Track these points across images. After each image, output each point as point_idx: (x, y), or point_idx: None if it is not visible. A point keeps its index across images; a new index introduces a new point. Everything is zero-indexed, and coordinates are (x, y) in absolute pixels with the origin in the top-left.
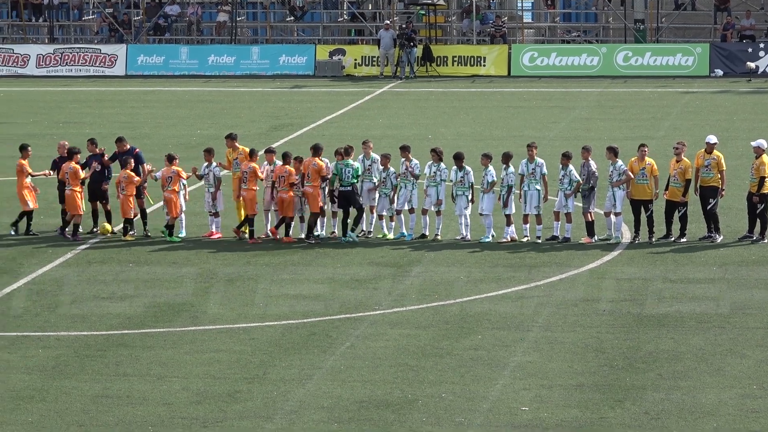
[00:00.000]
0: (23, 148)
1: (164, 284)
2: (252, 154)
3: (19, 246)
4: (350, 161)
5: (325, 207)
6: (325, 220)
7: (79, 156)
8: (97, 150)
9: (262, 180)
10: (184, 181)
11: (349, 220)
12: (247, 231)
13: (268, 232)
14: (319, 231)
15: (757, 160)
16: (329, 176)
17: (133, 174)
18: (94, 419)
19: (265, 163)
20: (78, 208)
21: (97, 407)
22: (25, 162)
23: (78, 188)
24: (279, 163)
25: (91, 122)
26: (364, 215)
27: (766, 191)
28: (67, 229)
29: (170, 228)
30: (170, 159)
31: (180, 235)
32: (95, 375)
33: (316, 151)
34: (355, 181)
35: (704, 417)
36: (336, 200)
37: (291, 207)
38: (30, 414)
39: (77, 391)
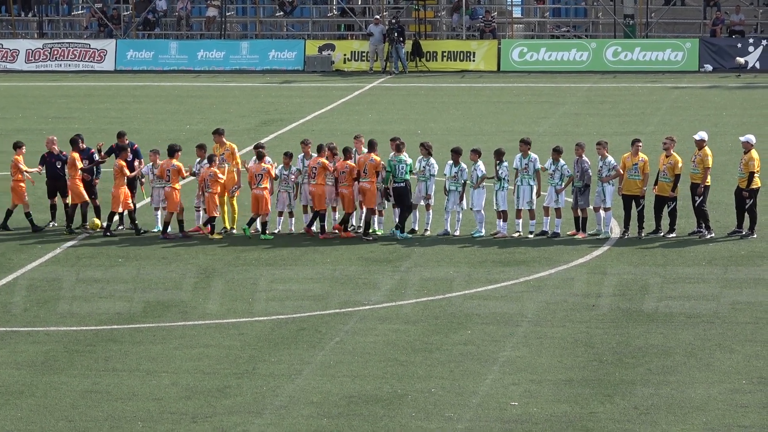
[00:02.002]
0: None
1: (154, 280)
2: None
3: (7, 241)
4: (403, 157)
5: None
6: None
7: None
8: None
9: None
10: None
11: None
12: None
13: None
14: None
15: (745, 155)
16: (383, 173)
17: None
18: (83, 414)
19: (253, 158)
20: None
21: (86, 402)
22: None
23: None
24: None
25: (80, 117)
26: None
27: (754, 186)
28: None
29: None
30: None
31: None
32: (84, 370)
33: (372, 146)
34: (408, 177)
35: (693, 412)
36: (391, 197)
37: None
38: (19, 409)
39: (66, 387)
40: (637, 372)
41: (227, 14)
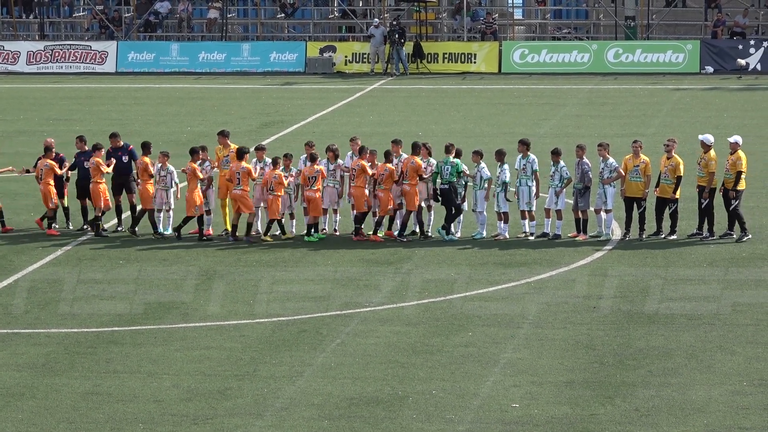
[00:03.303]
0: (96, 147)
1: (155, 281)
2: (241, 154)
3: (9, 243)
4: (450, 158)
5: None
6: (327, 217)
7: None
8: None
9: (254, 179)
10: (176, 179)
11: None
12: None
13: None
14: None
15: (732, 156)
16: (427, 175)
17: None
18: (84, 416)
19: (254, 160)
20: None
21: (87, 404)
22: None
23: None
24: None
25: (81, 119)
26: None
27: (741, 188)
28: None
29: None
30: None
31: (166, 232)
32: (85, 372)
33: (414, 149)
34: (454, 179)
35: (694, 414)
36: (439, 198)
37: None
38: (20, 411)
39: (67, 388)
40: (638, 374)
41: (228, 16)
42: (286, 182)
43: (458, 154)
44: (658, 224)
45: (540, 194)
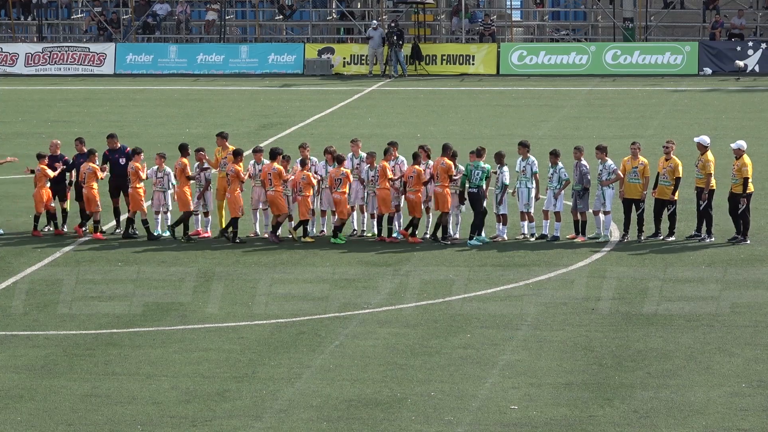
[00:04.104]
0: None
1: (153, 283)
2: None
3: (7, 245)
4: (481, 163)
5: (314, 207)
6: (316, 219)
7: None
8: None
9: (242, 182)
10: (173, 181)
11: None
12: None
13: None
14: (310, 230)
15: (737, 161)
16: (458, 177)
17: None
18: (82, 418)
19: (252, 162)
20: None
21: (85, 406)
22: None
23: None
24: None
25: (79, 121)
26: (356, 214)
27: (748, 192)
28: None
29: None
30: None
31: (165, 234)
32: (84, 374)
33: (445, 150)
34: (483, 183)
35: (693, 415)
36: (465, 201)
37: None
38: (19, 413)
39: (66, 390)
40: (636, 375)
41: (227, 18)
42: (314, 182)
43: (479, 155)
44: (657, 226)
45: (540, 196)
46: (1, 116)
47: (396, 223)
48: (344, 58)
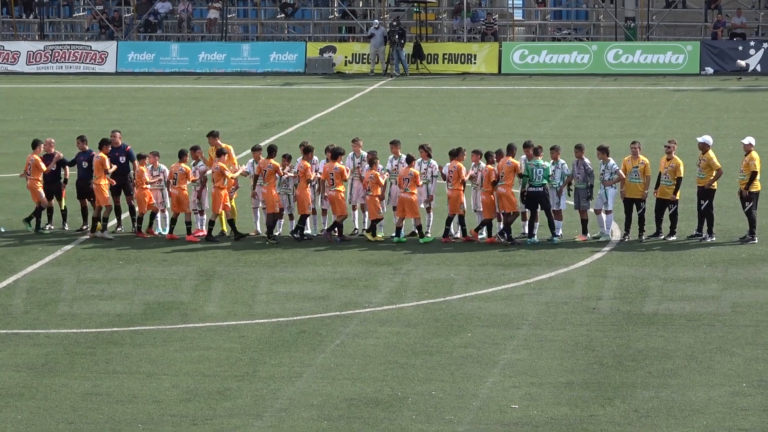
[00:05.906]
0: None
1: (154, 282)
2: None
3: (8, 244)
4: (541, 161)
5: (314, 205)
6: (317, 218)
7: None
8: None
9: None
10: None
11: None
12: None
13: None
14: (309, 230)
15: (746, 157)
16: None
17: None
18: (83, 417)
19: (251, 161)
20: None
21: (86, 405)
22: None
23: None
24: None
25: (81, 119)
26: (357, 213)
27: (754, 190)
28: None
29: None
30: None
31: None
32: (85, 372)
33: (510, 150)
34: (546, 182)
35: (694, 415)
36: (526, 200)
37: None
38: (19, 411)
39: (67, 389)
40: (637, 375)
41: (228, 16)
42: (382, 181)
43: (536, 153)
44: (658, 225)
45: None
46: (3, 114)
47: (455, 224)
48: (346, 57)
